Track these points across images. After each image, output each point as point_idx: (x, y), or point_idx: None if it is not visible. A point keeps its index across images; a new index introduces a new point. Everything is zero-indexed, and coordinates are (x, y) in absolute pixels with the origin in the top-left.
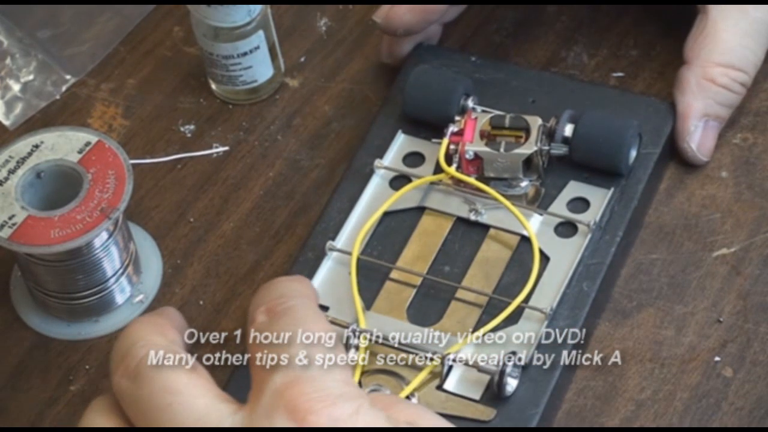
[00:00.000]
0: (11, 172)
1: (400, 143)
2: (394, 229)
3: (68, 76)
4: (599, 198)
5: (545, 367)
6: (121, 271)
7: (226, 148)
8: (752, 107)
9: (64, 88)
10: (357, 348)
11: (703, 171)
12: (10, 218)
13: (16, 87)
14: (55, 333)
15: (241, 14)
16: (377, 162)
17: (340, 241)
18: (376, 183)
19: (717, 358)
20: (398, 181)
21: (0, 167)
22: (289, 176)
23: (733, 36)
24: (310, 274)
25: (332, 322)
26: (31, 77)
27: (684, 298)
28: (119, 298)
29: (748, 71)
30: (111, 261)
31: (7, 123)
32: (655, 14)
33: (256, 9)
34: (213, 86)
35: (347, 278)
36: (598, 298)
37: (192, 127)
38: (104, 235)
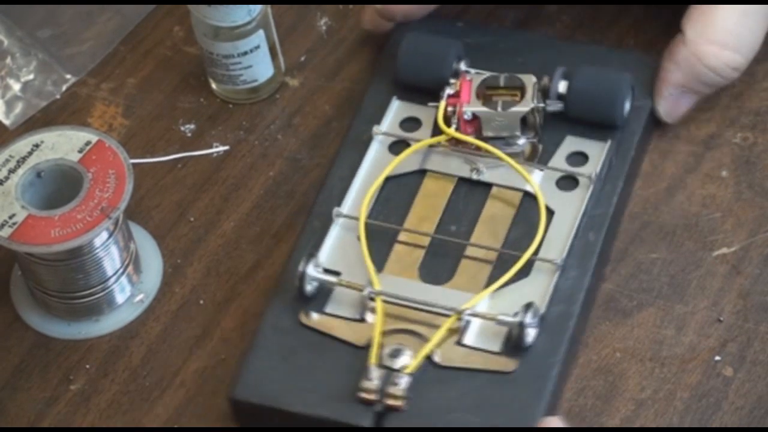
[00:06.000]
0: (11, 171)
1: (396, 109)
2: (397, 193)
3: (68, 76)
4: (597, 151)
5: (561, 316)
6: (121, 270)
7: (227, 147)
8: (752, 107)
9: (64, 88)
10: (373, 310)
11: (703, 171)
12: (10, 218)
13: (16, 86)
14: (55, 333)
15: (241, 14)
16: (375, 128)
17: (345, 207)
18: (375, 149)
19: (717, 358)
20: (397, 146)
21: (0, 167)
22: (290, 176)
23: (732, 13)
24: (319, 241)
25: (347, 286)
26: (31, 77)
27: (684, 297)
28: (119, 298)
29: (743, 53)
30: (111, 260)
31: (7, 122)
32: (655, 14)
33: (256, 8)
34: (213, 86)
35: (356, 243)
36: (605, 248)
37: (192, 126)
38: (104, 234)
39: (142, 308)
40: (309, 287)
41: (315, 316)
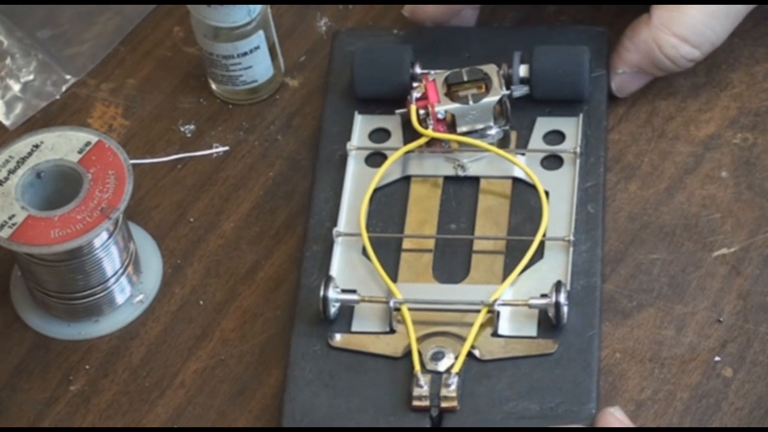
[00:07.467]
0: (11, 172)
1: (361, 123)
2: (385, 203)
3: (68, 76)
4: (571, 126)
5: (585, 290)
6: (121, 271)
7: (226, 148)
8: (752, 107)
9: (64, 88)
10: (401, 320)
11: (703, 171)
12: (10, 218)
13: (16, 87)
14: (55, 333)
15: (241, 14)
16: (349, 144)
17: (341, 226)
18: (353, 165)
19: (717, 358)
20: (373, 158)
21: (0, 167)
22: (289, 176)
23: (700, 11)
24: (324, 265)
25: (369, 301)
26: (31, 77)
27: (684, 298)
28: (119, 298)
29: (702, 50)
30: (111, 261)
31: (7, 123)
32: None
33: (256, 9)
34: (213, 86)
35: (362, 259)
36: (605, 218)
37: (192, 127)
38: (104, 235)
39: (142, 309)
40: (332, 310)
41: (343, 336)
